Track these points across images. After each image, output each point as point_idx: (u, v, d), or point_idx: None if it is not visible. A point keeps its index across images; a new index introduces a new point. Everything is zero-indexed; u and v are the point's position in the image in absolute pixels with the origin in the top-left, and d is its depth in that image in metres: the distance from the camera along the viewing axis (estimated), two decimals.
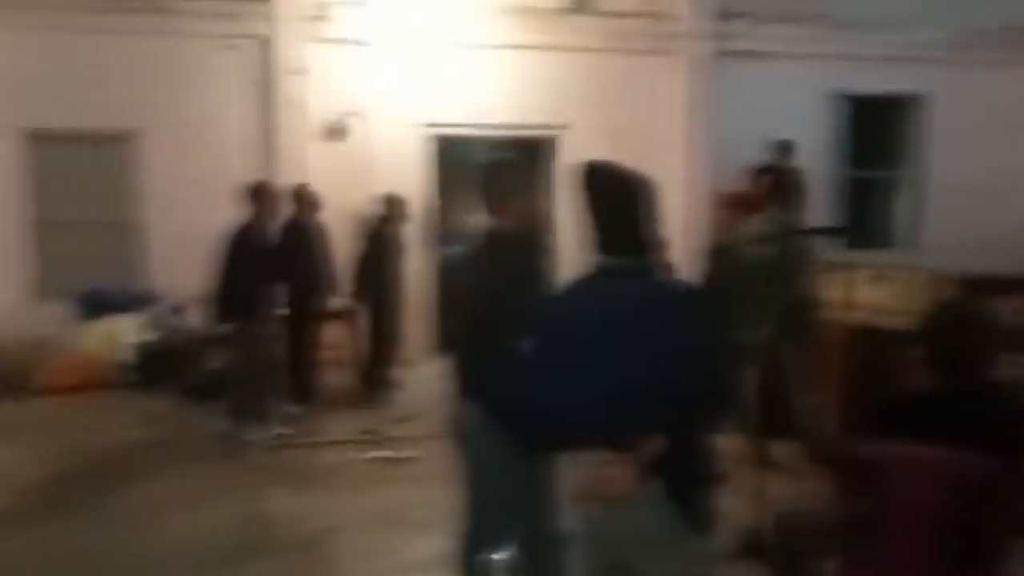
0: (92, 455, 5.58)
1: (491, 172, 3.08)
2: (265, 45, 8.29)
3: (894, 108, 9.43)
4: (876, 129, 9.48)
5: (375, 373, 7.21)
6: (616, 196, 2.31)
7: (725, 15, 8.49)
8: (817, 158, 8.64)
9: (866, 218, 9.53)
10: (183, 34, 8.15)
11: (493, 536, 3.08)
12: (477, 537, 3.09)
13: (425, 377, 7.74)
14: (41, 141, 8.06)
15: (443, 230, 8.86)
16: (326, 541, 4.27)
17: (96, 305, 7.73)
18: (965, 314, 2.59)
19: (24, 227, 8.12)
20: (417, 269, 8.34)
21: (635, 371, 2.15)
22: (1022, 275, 6.10)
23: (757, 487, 4.02)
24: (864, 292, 5.81)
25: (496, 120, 8.50)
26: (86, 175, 8.31)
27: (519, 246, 2.95)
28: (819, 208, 8.24)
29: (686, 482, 2.22)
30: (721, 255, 5.54)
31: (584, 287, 2.36)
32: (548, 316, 2.45)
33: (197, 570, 3.95)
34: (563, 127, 8.55)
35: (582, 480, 2.25)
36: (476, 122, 8.52)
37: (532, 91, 8.54)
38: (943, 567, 2.28)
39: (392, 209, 7.27)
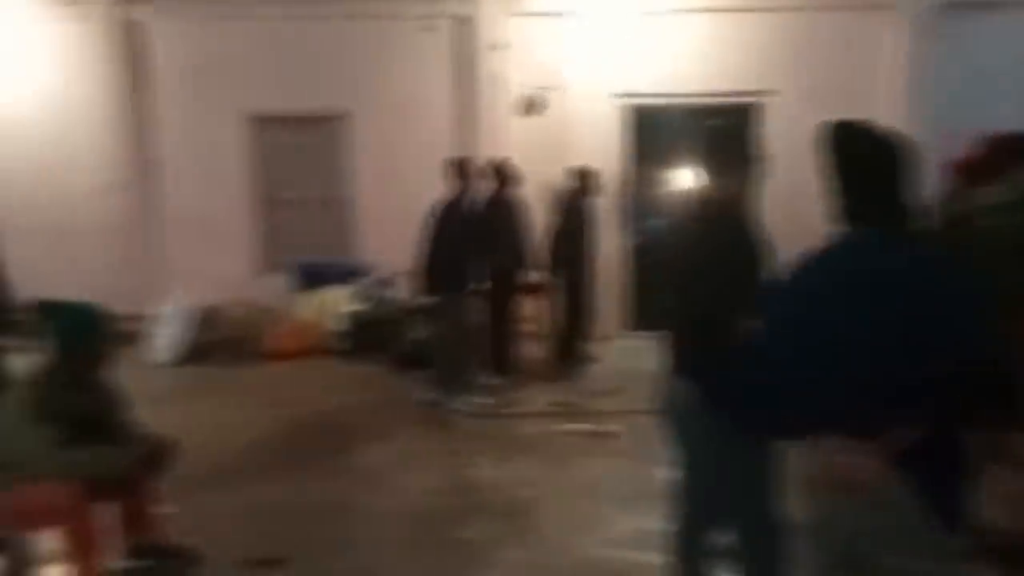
0: (315, 418, 6.02)
1: (712, 137, 2.93)
2: (462, 24, 8.47)
3: None
4: None
5: (571, 347, 7.26)
6: (871, 159, 2.11)
7: None
8: None
9: None
10: (387, 17, 8.50)
11: (710, 522, 2.98)
12: (694, 522, 3.00)
13: (620, 352, 7.74)
14: (263, 124, 8.73)
15: (640, 202, 8.73)
16: (534, 509, 4.35)
17: (313, 277, 8.32)
18: None
19: (250, 204, 8.85)
20: (612, 242, 8.28)
21: (891, 354, 1.97)
22: None
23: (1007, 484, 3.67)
24: None
25: (695, 88, 8.21)
26: (303, 155, 8.91)
27: (734, 216, 2.79)
28: None
29: (940, 476, 2.03)
30: (954, 228, 5.05)
31: (831, 261, 2.17)
32: (787, 292, 2.27)
33: (422, 526, 4.17)
34: (768, 93, 8.13)
35: (820, 468, 2.12)
36: (674, 91, 8.28)
37: (733, 56, 8.16)
38: None
39: (585, 182, 7.24)
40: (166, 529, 3.70)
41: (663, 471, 4.71)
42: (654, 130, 8.61)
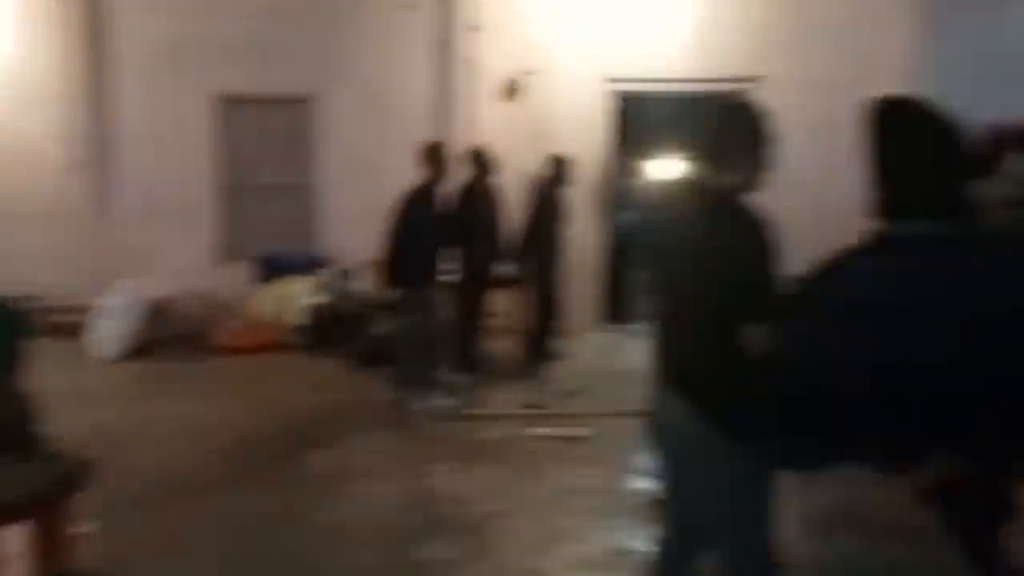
0: (269, 420, 5.55)
1: (718, 117, 2.45)
2: (441, 3, 8.05)
3: None
4: None
5: (542, 343, 6.88)
6: (928, 141, 1.73)
7: None
8: None
9: None
10: None
11: (696, 552, 2.58)
12: (677, 550, 2.60)
13: (594, 347, 7.37)
14: (230, 105, 8.26)
15: (622, 192, 8.35)
16: (499, 525, 3.94)
17: (274, 268, 7.88)
18: None
19: (212, 189, 8.38)
20: (587, 234, 7.90)
21: (953, 380, 1.57)
22: None
23: None
24: None
25: (684, 74, 7.83)
26: (270, 138, 8.46)
27: (743, 209, 2.34)
28: None
29: (985, 517, 1.64)
30: None
31: (876, 264, 1.76)
32: (816, 299, 1.86)
33: (377, 545, 3.74)
34: (763, 79, 7.73)
35: (841, 504, 1.74)
36: (661, 76, 7.89)
37: (724, 41, 7.79)
38: None
39: (560, 170, 6.85)
40: (85, 554, 3.25)
41: (639, 481, 4.38)
42: (640, 117, 8.24)
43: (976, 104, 6.20)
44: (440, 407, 5.68)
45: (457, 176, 6.37)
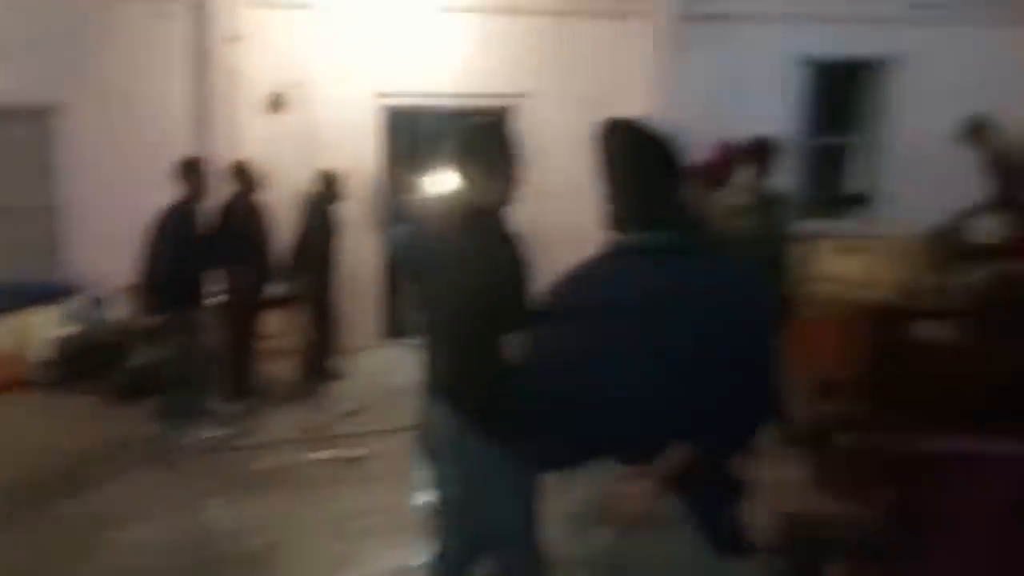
0: (15, 465, 5.00)
1: (473, 136, 2.55)
2: (197, 11, 7.65)
3: (860, 72, 9.15)
4: (842, 94, 9.19)
5: (320, 364, 6.75)
6: (651, 159, 1.87)
7: None
8: (784, 124, 8.29)
9: (830, 186, 9.27)
10: None
11: (472, 559, 2.66)
12: (454, 559, 2.67)
13: (374, 364, 7.32)
14: None
15: (395, 207, 8.36)
16: (278, 557, 3.82)
17: (13, 299, 7.06)
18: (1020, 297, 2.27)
19: None
20: (362, 249, 7.86)
21: (678, 375, 1.74)
22: (992, 244, 5.82)
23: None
24: (839, 263, 5.54)
25: (453, 89, 7.99)
26: (5, 154, 7.61)
27: (500, 223, 2.47)
28: (788, 175, 7.94)
29: (717, 499, 1.83)
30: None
31: (608, 270, 1.91)
32: (559, 306, 2.00)
33: None
34: (525, 95, 8.09)
35: (593, 499, 1.86)
36: (431, 91, 8.01)
37: (491, 58, 8.03)
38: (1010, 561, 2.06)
39: (330, 186, 6.77)
40: None
41: (419, 496, 4.41)
42: (411, 131, 8.29)
43: (712, 120, 6.92)
44: (211, 438, 5.40)
45: (220, 192, 6.08)
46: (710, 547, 1.82)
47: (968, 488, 2.08)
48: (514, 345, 2.15)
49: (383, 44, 7.87)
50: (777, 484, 3.96)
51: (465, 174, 2.48)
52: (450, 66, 7.95)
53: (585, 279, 1.97)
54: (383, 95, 7.97)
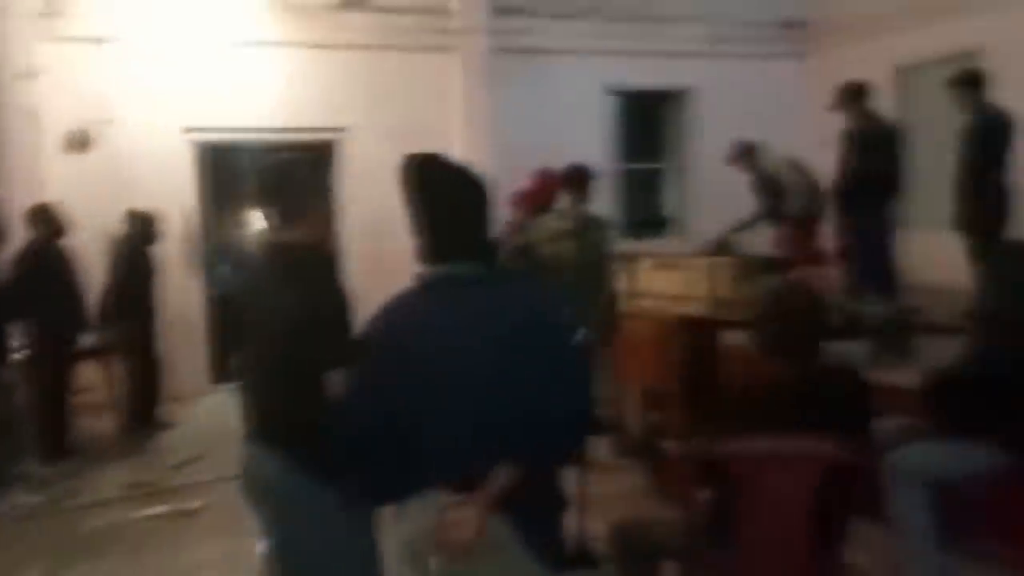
0: None
1: (273, 176, 2.55)
2: None
3: (664, 102, 9.83)
4: (648, 123, 9.84)
5: (144, 414, 6.40)
6: (456, 193, 1.98)
7: (500, 10, 8.40)
8: (598, 152, 8.76)
9: (642, 208, 9.87)
10: None
11: None
12: None
13: (204, 411, 7.02)
14: None
15: (215, 247, 8.10)
16: None
17: None
18: (803, 299, 2.55)
19: None
20: (187, 291, 7.55)
21: (492, 398, 1.84)
22: (788, 256, 6.44)
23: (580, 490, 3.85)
24: (656, 280, 5.90)
25: (269, 124, 7.86)
26: None
27: (315, 260, 2.48)
28: (605, 200, 8.37)
29: (540, 516, 1.94)
30: (520, 258, 5.38)
31: (420, 303, 2.00)
32: (374, 340, 2.05)
33: None
34: (343, 130, 8.09)
35: (424, 529, 1.91)
36: (247, 127, 7.83)
37: (307, 93, 7.98)
38: (803, 555, 2.30)
39: (144, 227, 6.47)
40: None
41: (254, 545, 4.26)
42: (229, 169, 8.08)
43: (530, 149, 7.22)
44: (25, 504, 4.98)
45: (19, 239, 5.68)
46: (542, 564, 1.92)
47: (763, 486, 2.32)
48: (335, 382, 2.18)
49: (191, 78, 7.64)
50: (612, 495, 4.22)
51: (268, 214, 2.48)
52: (263, 101, 7.83)
53: (398, 312, 2.04)
54: (193, 130, 7.72)
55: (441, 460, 1.89)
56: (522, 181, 5.83)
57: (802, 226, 6.66)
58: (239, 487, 2.52)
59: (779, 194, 6.75)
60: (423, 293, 2.01)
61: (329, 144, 8.07)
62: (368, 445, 1.94)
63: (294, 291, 2.35)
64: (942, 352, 3.81)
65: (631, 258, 5.94)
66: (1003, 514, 3.23)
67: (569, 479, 2.08)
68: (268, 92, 7.84)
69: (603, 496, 3.88)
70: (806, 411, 2.37)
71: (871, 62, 8.17)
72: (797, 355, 2.48)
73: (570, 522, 2.33)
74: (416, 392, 1.89)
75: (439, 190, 1.98)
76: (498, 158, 7.50)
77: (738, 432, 2.41)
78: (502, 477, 1.83)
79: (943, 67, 8.03)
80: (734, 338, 4.54)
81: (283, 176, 2.50)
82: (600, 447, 4.85)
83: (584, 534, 3.55)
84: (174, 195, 7.48)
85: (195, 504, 4.92)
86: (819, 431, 2.31)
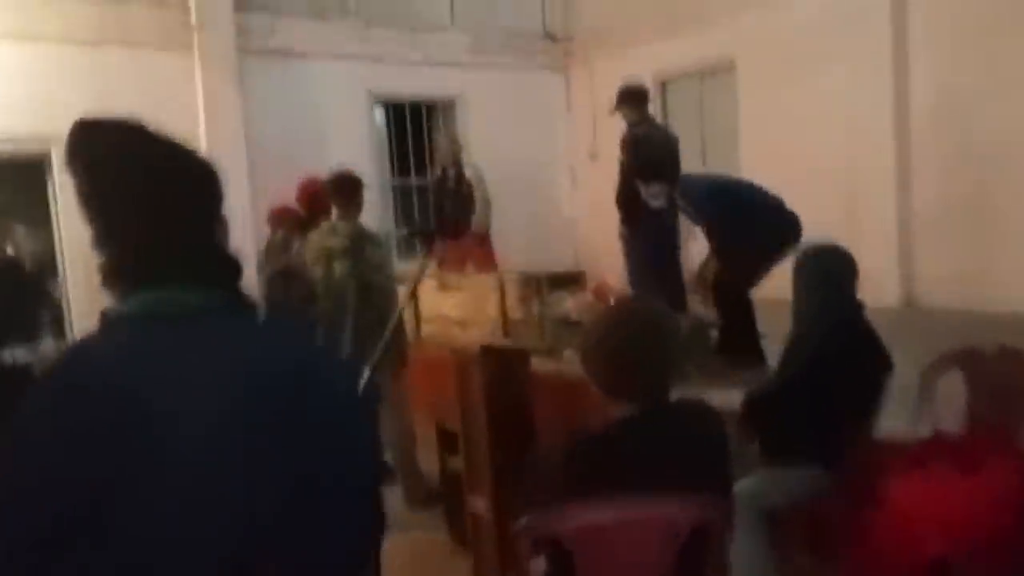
0: None
1: None
2: None
3: (429, 111, 9.37)
4: (415, 133, 9.34)
5: None
6: (172, 178, 1.17)
7: (242, 6, 7.49)
8: (363, 164, 8.10)
9: (415, 224, 9.35)
10: None
11: None
12: None
13: None
14: None
15: None
16: None
17: None
18: (646, 325, 2.05)
19: None
20: None
21: (231, 508, 1.04)
22: (575, 271, 6.17)
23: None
24: (440, 302, 5.37)
25: None
26: None
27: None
28: (376, 214, 7.75)
29: None
30: (286, 282, 4.60)
31: (110, 355, 1.09)
32: (30, 418, 1.07)
33: None
34: (56, 139, 6.75)
35: None
36: None
37: (12, 93, 6.62)
38: None
39: None
40: None
41: None
42: None
43: (286, 157, 6.44)
44: None
45: None
46: None
47: (612, 553, 1.84)
48: None
49: None
50: (406, 557, 3.50)
51: None
52: None
53: (73, 368, 1.13)
54: None
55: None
56: (279, 194, 5.06)
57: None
58: None
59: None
60: (116, 339, 1.11)
61: (37, 157, 6.73)
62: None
63: None
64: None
65: (411, 279, 5.35)
66: (830, 533, 3.01)
67: None
68: None
69: (397, 559, 3.19)
70: (659, 462, 1.89)
71: (632, 74, 8.24)
72: (645, 394, 1.98)
73: None
74: (99, 503, 1.00)
75: (138, 171, 1.17)
76: (248, 169, 6.63)
77: (575, 492, 1.88)
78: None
79: (699, 79, 8.31)
80: (542, 366, 4.04)
81: None
82: (389, 498, 4.15)
83: None
84: None
85: None
86: (678, 487, 1.83)
